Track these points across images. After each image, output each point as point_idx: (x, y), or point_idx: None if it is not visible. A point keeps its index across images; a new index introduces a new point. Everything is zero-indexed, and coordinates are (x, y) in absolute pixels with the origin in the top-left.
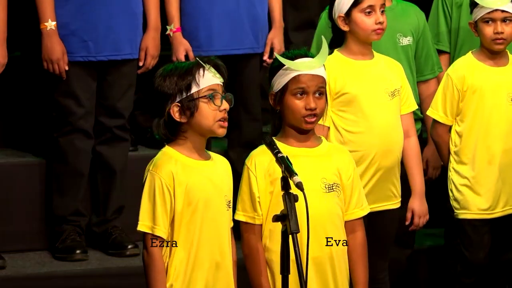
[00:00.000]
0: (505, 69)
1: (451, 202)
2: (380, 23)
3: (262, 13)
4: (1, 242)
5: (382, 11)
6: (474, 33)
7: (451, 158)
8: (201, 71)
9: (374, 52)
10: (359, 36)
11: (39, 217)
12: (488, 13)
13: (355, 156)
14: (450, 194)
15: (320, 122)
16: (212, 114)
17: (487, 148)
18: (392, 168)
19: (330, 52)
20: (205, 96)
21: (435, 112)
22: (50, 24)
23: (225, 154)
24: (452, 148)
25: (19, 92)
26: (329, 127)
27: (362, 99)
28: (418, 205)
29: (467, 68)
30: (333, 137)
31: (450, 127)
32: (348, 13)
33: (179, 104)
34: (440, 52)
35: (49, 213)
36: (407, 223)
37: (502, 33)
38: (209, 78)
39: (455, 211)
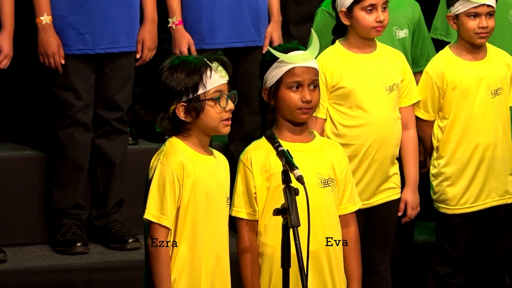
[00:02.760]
0: (483, 62)
1: (432, 195)
2: (381, 21)
3: (263, 6)
4: (2, 236)
5: (384, 8)
6: (452, 26)
7: (433, 153)
8: (208, 72)
9: (379, 44)
10: (359, 32)
11: (39, 211)
12: (474, 7)
13: (348, 149)
14: (431, 187)
15: (314, 114)
16: (218, 116)
17: (468, 143)
18: (387, 161)
19: (332, 42)
20: (212, 98)
21: (416, 109)
22: (46, 19)
23: (225, 147)
24: (435, 143)
25: (18, 85)
26: (325, 120)
27: (358, 93)
28: (411, 196)
29: (446, 64)
30: (328, 130)
31: (433, 121)
32: (350, 8)
33: (184, 104)
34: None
35: (49, 206)
36: (399, 214)
37: (487, 27)
38: (216, 79)
39: (435, 204)
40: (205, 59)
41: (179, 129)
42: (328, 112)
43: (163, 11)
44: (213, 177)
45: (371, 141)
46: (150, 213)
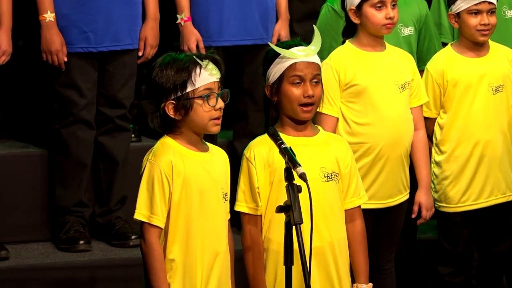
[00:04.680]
0: (485, 59)
1: (433, 194)
2: (391, 18)
3: (272, 3)
4: (5, 233)
5: (394, 5)
6: (453, 24)
7: (433, 150)
8: (197, 69)
9: (387, 44)
10: (369, 30)
11: (42, 208)
12: (476, 4)
13: (362, 147)
14: (432, 186)
15: (318, 109)
16: (207, 114)
17: (468, 140)
18: (401, 160)
19: (342, 42)
20: (200, 96)
21: None
22: (49, 16)
23: (230, 144)
24: (434, 141)
25: (21, 83)
26: (338, 118)
27: (372, 91)
28: (425, 198)
29: (446, 61)
30: (342, 128)
31: (436, 118)
32: (359, 6)
33: (174, 102)
34: (442, 44)
35: (52, 204)
36: (413, 216)
37: (488, 24)
38: (205, 77)
39: (436, 203)
40: (195, 56)
41: (170, 127)
42: (341, 111)
43: (170, 8)
44: (207, 174)
45: (385, 139)
46: (140, 213)
